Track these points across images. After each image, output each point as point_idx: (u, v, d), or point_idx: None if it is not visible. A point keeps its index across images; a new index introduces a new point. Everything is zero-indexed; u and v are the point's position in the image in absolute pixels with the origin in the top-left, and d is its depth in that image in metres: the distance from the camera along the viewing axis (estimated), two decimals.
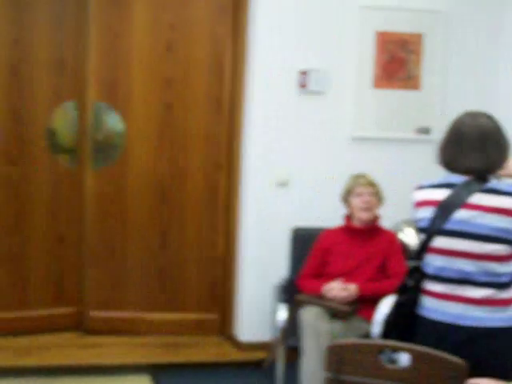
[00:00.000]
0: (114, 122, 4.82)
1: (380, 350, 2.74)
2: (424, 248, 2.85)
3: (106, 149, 4.84)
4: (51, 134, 4.83)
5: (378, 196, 4.23)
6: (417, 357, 2.65)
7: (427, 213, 2.84)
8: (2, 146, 4.72)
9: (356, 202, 4.20)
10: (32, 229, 4.87)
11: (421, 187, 2.96)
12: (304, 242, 4.52)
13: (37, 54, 4.76)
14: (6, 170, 4.76)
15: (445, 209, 2.79)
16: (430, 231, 2.82)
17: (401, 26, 4.82)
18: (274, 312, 4.55)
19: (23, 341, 4.77)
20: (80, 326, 4.98)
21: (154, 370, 4.60)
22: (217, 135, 4.93)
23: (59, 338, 4.88)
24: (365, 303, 3.94)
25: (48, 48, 4.78)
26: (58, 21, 4.78)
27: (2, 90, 4.70)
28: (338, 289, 4.02)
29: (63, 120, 4.84)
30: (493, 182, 2.79)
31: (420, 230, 2.90)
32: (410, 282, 2.90)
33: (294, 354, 4.16)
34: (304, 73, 4.68)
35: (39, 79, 4.78)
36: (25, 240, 4.85)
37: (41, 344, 4.77)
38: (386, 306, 3.10)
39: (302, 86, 4.70)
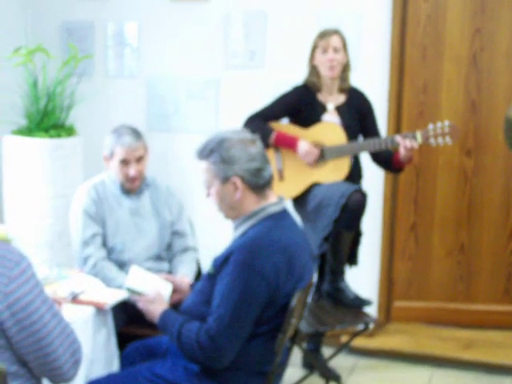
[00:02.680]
0: None
1: None
2: None
3: None
4: (510, 126, 4.68)
5: None
6: None
7: None
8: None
9: None
10: (483, 221, 4.79)
11: None
12: None
13: (498, 43, 4.64)
14: (461, 160, 4.74)
15: None
16: None
17: None
18: None
19: (467, 334, 4.73)
20: None
21: None
22: None
23: (503, 335, 4.72)
24: None
25: (510, 37, 4.63)
26: None
27: (461, 80, 4.68)
28: None
29: None
30: None
31: None
32: None
33: None
34: None
35: (499, 69, 4.66)
36: (475, 232, 4.79)
37: (484, 339, 4.67)
38: None
39: None
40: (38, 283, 2.03)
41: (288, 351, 2.83)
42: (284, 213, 2.69)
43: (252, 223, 2.63)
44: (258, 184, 2.62)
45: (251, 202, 2.64)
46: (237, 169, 2.59)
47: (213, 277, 2.58)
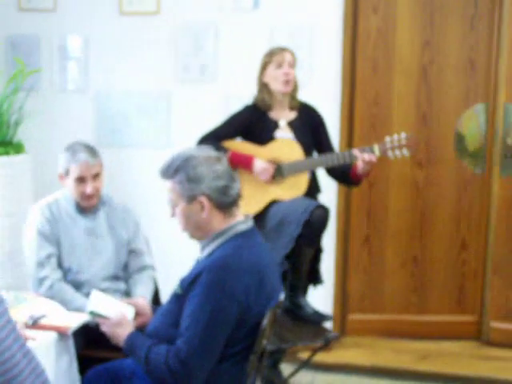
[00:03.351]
0: None
1: None
2: None
3: None
4: (459, 138, 4.73)
5: None
6: None
7: None
8: None
9: None
10: (434, 233, 4.83)
11: None
12: None
13: (447, 56, 4.69)
14: (412, 172, 4.77)
15: None
16: None
17: None
18: None
19: (422, 345, 4.75)
20: (480, 335, 4.82)
21: None
22: None
23: (457, 346, 4.77)
24: None
25: (458, 50, 4.69)
26: (470, 22, 4.66)
27: (412, 92, 4.72)
28: None
29: (472, 123, 4.71)
30: None
31: None
32: None
33: None
34: None
35: (448, 82, 4.72)
36: (428, 244, 4.83)
37: (438, 350, 4.71)
38: None
39: None
40: (11, 320, 1.93)
41: (256, 372, 2.77)
42: (252, 231, 2.64)
43: (220, 242, 2.57)
44: (225, 202, 2.57)
45: (218, 221, 2.58)
46: (203, 188, 2.53)
47: (181, 297, 2.52)
